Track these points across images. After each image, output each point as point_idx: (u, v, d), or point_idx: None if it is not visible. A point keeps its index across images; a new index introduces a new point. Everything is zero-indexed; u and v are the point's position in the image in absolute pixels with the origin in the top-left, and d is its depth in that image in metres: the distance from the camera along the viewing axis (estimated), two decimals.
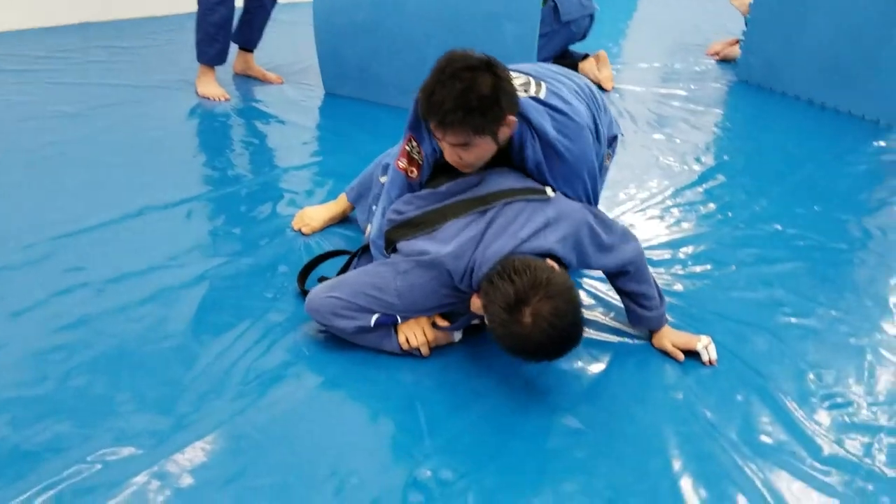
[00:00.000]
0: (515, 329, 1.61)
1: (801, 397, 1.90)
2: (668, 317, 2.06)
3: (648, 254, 2.47)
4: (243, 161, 2.94)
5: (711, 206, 2.92)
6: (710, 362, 1.97)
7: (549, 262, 1.74)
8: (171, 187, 2.65)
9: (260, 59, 3.84)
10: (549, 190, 1.84)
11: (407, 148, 1.92)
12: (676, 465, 1.66)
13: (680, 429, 1.76)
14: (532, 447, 1.68)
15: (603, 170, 2.08)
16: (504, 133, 1.75)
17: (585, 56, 4.24)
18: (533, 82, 1.86)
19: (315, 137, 3.29)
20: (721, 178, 3.19)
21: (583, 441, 1.70)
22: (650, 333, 2.06)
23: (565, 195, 1.88)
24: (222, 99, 3.47)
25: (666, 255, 2.51)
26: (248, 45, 3.74)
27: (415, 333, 1.88)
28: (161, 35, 4.39)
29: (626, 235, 1.94)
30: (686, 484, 1.61)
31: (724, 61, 5.04)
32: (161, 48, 4.16)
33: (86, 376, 1.74)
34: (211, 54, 3.47)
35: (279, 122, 3.35)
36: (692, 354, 2.00)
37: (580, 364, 1.96)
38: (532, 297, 1.59)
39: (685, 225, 2.74)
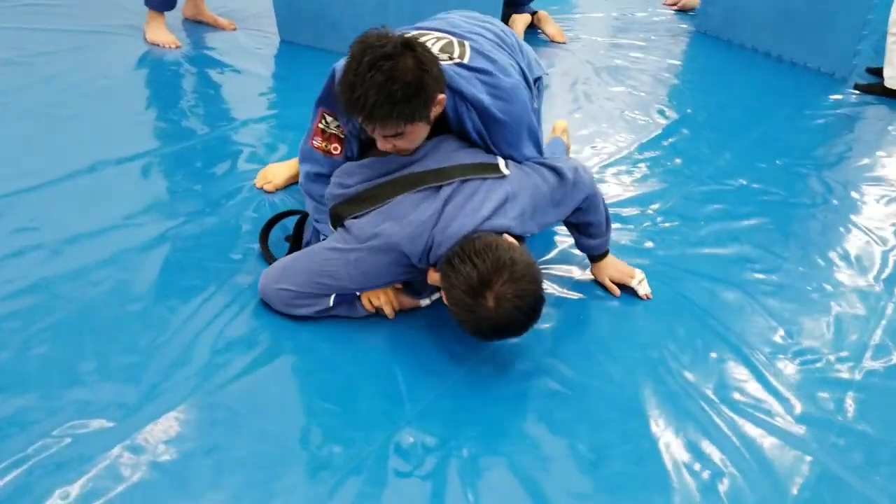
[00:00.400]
0: (480, 313, 1.59)
1: (772, 354, 1.93)
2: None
3: (617, 210, 2.47)
4: (198, 113, 2.81)
5: (677, 160, 2.91)
6: (645, 296, 2.03)
7: (508, 237, 1.70)
8: (123, 141, 2.52)
9: (211, 3, 3.65)
10: (502, 165, 1.78)
11: (320, 125, 1.83)
12: (656, 425, 1.67)
13: (658, 388, 1.77)
14: (512, 410, 1.66)
15: (537, 114, 2.02)
16: (436, 111, 1.67)
17: (534, 13, 4.16)
18: (455, 42, 1.77)
19: (272, 88, 3.16)
20: (685, 131, 3.18)
21: (562, 403, 1.70)
22: (591, 263, 2.09)
23: (513, 158, 1.84)
24: (173, 46, 3.31)
25: (635, 211, 2.50)
26: None
27: (377, 295, 1.84)
28: None
29: (577, 175, 1.88)
30: (667, 444, 1.62)
31: (683, 11, 4.99)
32: None
33: (46, 345, 1.66)
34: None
35: (234, 71, 3.21)
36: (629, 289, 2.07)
37: (553, 324, 1.94)
38: (495, 281, 1.56)
39: (652, 180, 2.73)
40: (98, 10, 3.60)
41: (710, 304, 2.09)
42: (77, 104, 2.73)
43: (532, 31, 4.20)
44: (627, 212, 2.48)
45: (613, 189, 2.62)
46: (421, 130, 1.69)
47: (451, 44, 1.76)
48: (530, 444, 1.58)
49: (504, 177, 1.77)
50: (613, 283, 2.05)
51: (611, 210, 2.36)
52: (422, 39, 1.69)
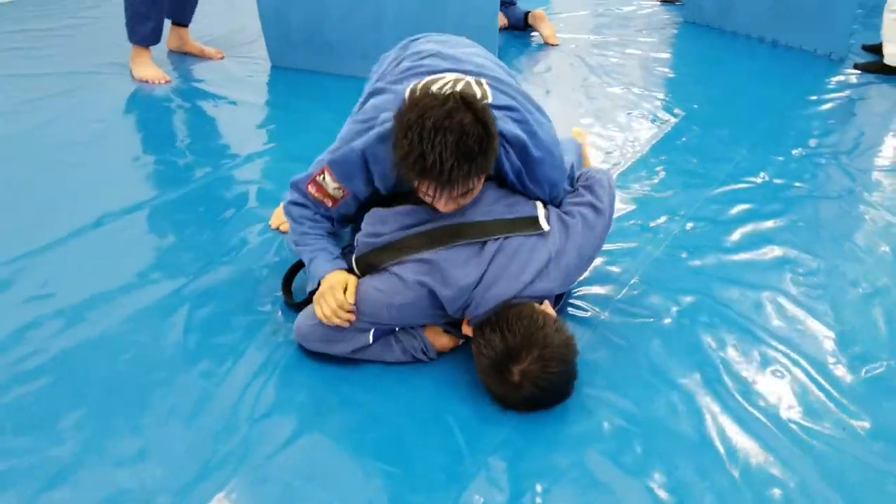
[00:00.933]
0: (503, 386, 1.58)
1: (830, 363, 1.85)
2: None
3: (643, 220, 2.40)
4: (198, 151, 2.71)
5: (694, 160, 2.84)
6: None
7: (546, 307, 1.68)
8: (125, 189, 2.42)
9: (196, 32, 3.54)
10: (542, 218, 1.71)
11: (319, 179, 1.74)
12: (731, 457, 1.58)
13: (723, 412, 1.69)
14: (577, 455, 1.57)
15: None
16: None
17: (527, 13, 4.10)
18: (473, 83, 1.67)
19: (269, 118, 3.06)
20: (695, 128, 3.11)
21: (629, 442, 1.61)
22: None
23: (550, 197, 1.79)
24: (162, 81, 3.20)
25: (662, 219, 2.42)
26: (181, 20, 3.44)
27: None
28: (83, 12, 4.00)
29: (610, 196, 1.85)
30: (745, 477, 1.53)
31: (668, 2, 4.93)
32: (85, 28, 3.79)
33: (79, 429, 1.55)
34: (144, 33, 3.18)
35: (228, 102, 3.11)
36: None
37: (603, 353, 1.85)
38: (524, 357, 1.54)
39: (673, 184, 2.65)
40: (81, 50, 3.48)
41: (756, 313, 2.01)
42: (73, 152, 2.62)
43: (517, 32, 4.13)
44: (655, 222, 2.40)
45: (636, 196, 2.54)
46: (482, 183, 1.62)
47: (469, 85, 1.67)
48: (604, 490, 1.49)
49: (545, 234, 1.70)
50: None
51: (637, 220, 2.31)
52: (439, 84, 1.62)
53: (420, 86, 1.61)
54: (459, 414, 1.65)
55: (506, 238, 1.66)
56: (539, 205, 1.74)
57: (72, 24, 3.81)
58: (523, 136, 1.66)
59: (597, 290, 2.07)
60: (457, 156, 1.46)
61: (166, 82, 3.20)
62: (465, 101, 1.49)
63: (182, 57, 3.48)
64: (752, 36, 4.31)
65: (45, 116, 2.84)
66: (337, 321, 1.66)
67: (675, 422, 1.66)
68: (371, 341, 1.72)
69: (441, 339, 1.79)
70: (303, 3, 3.27)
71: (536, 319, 1.57)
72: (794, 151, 2.95)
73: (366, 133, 1.67)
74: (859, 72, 3.88)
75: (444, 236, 1.64)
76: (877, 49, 4.05)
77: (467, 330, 1.71)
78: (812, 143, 3.05)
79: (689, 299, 2.04)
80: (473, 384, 1.72)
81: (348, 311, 1.66)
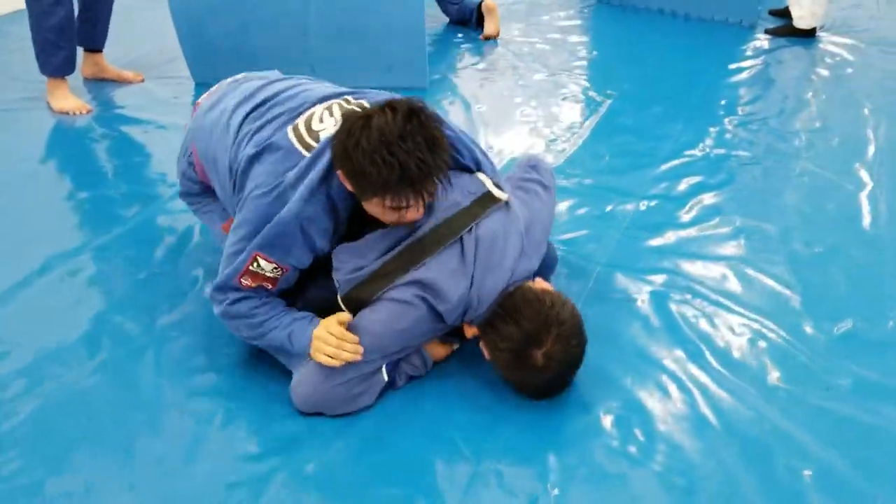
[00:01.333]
0: (529, 372, 1.57)
1: (806, 328, 1.91)
2: None
3: (598, 205, 2.41)
4: (134, 181, 2.59)
5: (633, 140, 2.87)
6: None
7: (540, 282, 1.68)
8: (65, 231, 2.30)
9: (111, 56, 3.38)
10: (495, 190, 1.68)
11: (252, 268, 1.61)
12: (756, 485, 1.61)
13: (725, 400, 1.72)
14: (585, 453, 1.58)
15: None
16: None
17: (479, 4, 4.04)
18: (344, 102, 1.69)
19: None
20: (630, 108, 3.15)
21: (633, 426, 1.62)
22: None
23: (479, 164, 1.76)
24: (83, 111, 3.05)
25: (616, 203, 2.44)
26: (94, 45, 3.28)
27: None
28: None
29: (543, 170, 1.93)
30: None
31: None
32: None
33: (68, 498, 1.46)
34: (56, 64, 3.02)
35: (157, 127, 2.99)
36: None
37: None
38: (545, 340, 1.55)
39: (619, 166, 2.68)
40: None
41: (724, 285, 2.07)
42: (1, 196, 2.47)
43: (459, 28, 4.08)
44: (610, 206, 2.42)
45: (587, 182, 2.56)
46: None
47: (347, 102, 1.69)
48: (617, 482, 1.50)
49: (508, 205, 1.68)
50: None
51: (592, 206, 2.33)
52: (318, 115, 1.66)
53: (321, 120, 1.63)
54: (459, 423, 1.64)
55: (477, 226, 1.62)
56: (481, 176, 1.71)
57: None
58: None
59: (564, 281, 2.07)
60: (432, 151, 1.44)
61: (88, 112, 3.06)
62: (399, 104, 1.46)
63: (100, 84, 3.33)
64: (664, 11, 4.40)
65: None
66: (346, 356, 1.55)
67: (670, 403, 1.69)
68: (386, 377, 1.67)
69: (437, 350, 1.76)
70: (221, 16, 3.16)
71: (543, 300, 1.57)
72: (726, 121, 3.03)
73: (281, 201, 1.58)
74: (770, 36, 4.00)
75: (423, 248, 1.60)
76: (783, 13, 4.20)
77: (470, 332, 1.68)
78: (741, 111, 3.13)
79: (658, 279, 2.08)
80: (467, 393, 1.71)
81: (351, 343, 1.57)
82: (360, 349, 1.56)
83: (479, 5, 4.02)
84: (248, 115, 1.74)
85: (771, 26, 4.12)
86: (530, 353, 1.54)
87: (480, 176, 1.71)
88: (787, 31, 4.01)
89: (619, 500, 1.47)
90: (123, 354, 1.82)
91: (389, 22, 3.11)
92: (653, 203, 2.44)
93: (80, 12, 3.13)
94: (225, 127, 1.77)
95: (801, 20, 3.94)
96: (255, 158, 1.64)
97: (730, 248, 2.21)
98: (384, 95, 1.70)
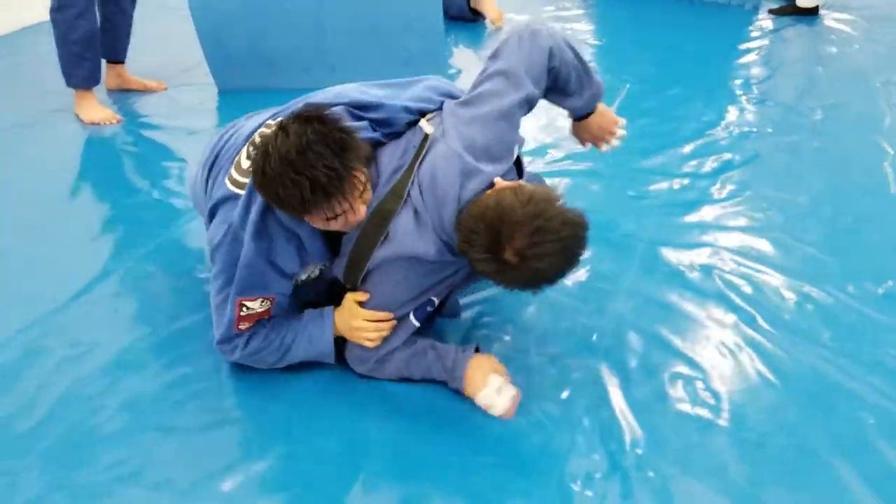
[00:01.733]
0: (508, 273, 1.47)
1: (854, 291, 1.98)
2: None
3: (644, 188, 2.48)
4: (175, 193, 2.61)
5: (656, 122, 2.95)
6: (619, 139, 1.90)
7: (499, 181, 1.59)
8: (119, 240, 2.32)
9: (133, 67, 3.43)
10: (427, 128, 1.65)
11: (242, 314, 1.66)
12: None
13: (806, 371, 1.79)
14: (659, 410, 1.65)
15: None
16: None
17: None
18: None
19: None
20: (648, 91, 3.22)
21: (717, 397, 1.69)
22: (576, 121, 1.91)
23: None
24: (113, 121, 3.10)
25: (656, 183, 2.51)
26: (116, 57, 3.33)
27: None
28: None
29: (529, 34, 1.68)
30: None
31: None
32: (9, 77, 3.63)
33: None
34: (83, 76, 3.07)
35: (187, 133, 3.03)
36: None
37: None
38: (505, 238, 1.43)
39: (649, 146, 2.75)
40: (12, 101, 3.33)
41: (770, 254, 2.14)
42: (47, 208, 2.51)
43: (466, 23, 4.14)
44: (646, 187, 2.49)
45: (618, 165, 2.62)
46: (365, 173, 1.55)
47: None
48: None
49: (430, 133, 1.64)
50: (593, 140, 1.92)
51: (637, 191, 2.40)
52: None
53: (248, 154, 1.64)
54: (543, 396, 1.69)
55: (418, 173, 1.60)
56: (422, 122, 1.68)
57: None
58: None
59: (610, 260, 2.13)
60: (338, 154, 1.43)
61: (118, 122, 3.11)
62: (292, 120, 1.46)
63: (124, 94, 3.38)
64: None
65: (7, 174, 2.71)
66: (385, 331, 1.67)
67: (731, 365, 1.77)
68: (417, 323, 1.70)
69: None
70: (242, 21, 3.22)
71: (498, 199, 1.47)
72: (743, 99, 3.11)
73: (238, 241, 1.62)
74: (774, 16, 4.09)
75: (379, 220, 1.61)
76: None
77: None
78: (756, 89, 3.22)
79: (701, 251, 2.15)
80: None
81: (385, 321, 1.66)
82: (393, 321, 1.67)
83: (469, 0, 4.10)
84: (207, 177, 1.82)
85: (774, 6, 4.20)
86: (500, 255, 1.44)
87: (421, 122, 1.68)
88: (791, 10, 4.11)
89: (697, 456, 1.53)
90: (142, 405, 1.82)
91: (406, 15, 3.17)
92: (685, 181, 2.51)
93: (101, 24, 3.18)
94: (201, 194, 1.85)
95: None
96: (211, 218, 1.71)
97: (765, 220, 2.29)
98: (316, 97, 1.72)
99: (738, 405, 1.65)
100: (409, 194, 1.60)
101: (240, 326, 1.69)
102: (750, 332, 1.85)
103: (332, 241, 1.70)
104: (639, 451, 1.54)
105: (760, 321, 1.89)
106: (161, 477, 1.53)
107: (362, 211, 1.55)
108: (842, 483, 1.47)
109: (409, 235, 1.59)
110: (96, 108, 3.13)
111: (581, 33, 3.95)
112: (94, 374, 1.79)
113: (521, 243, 1.42)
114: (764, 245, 2.17)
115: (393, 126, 1.69)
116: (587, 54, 3.67)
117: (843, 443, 1.55)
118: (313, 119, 1.45)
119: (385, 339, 1.70)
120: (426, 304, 1.71)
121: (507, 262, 1.44)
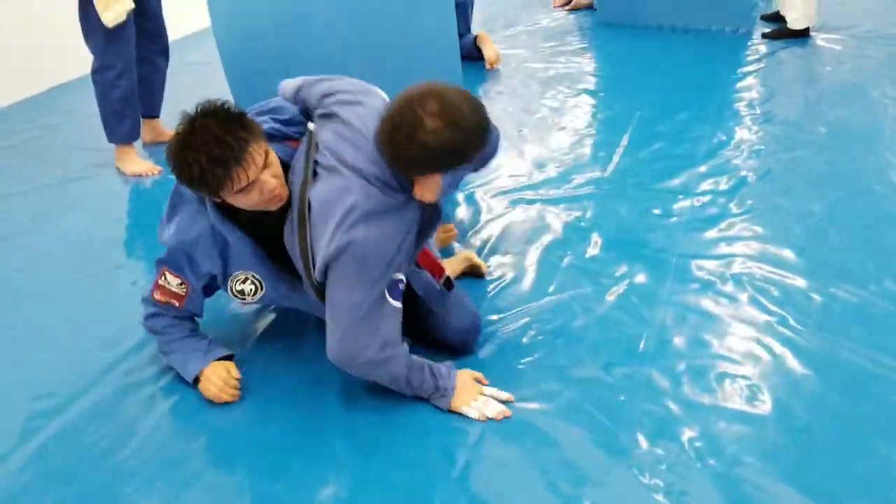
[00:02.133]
0: (444, 138, 1.54)
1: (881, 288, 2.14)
2: None
3: (661, 207, 2.64)
4: None
5: (670, 145, 3.12)
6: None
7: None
8: None
9: (167, 119, 3.60)
10: (311, 125, 1.80)
11: (160, 282, 1.90)
12: None
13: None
14: (709, 407, 1.79)
15: None
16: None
17: (475, 37, 4.33)
18: None
19: None
20: (658, 117, 3.40)
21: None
22: None
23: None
24: (155, 172, 3.27)
25: (679, 203, 2.67)
26: (152, 112, 3.51)
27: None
28: (36, 121, 4.00)
29: None
30: None
31: (576, 10, 5.28)
32: (47, 138, 3.79)
33: None
34: (124, 131, 3.25)
35: None
36: None
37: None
38: (420, 112, 1.53)
39: (667, 168, 2.92)
40: (55, 159, 3.49)
41: (797, 263, 2.28)
42: (111, 255, 2.66)
43: (471, 60, 4.33)
44: (668, 206, 2.65)
45: (639, 187, 2.79)
46: (266, 148, 1.67)
47: None
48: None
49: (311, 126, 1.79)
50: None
51: (662, 210, 2.55)
52: None
53: None
54: (596, 401, 1.84)
55: (315, 141, 1.73)
56: (309, 124, 1.81)
57: (31, 137, 3.80)
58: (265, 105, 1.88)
59: (645, 274, 2.28)
60: (226, 129, 1.56)
61: (158, 172, 3.27)
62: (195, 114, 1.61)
63: (160, 146, 3.53)
64: (663, 26, 4.70)
65: (65, 226, 2.87)
66: (226, 396, 1.89)
67: (771, 361, 1.91)
68: (396, 304, 1.72)
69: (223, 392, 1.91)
70: (270, 72, 3.38)
71: (399, 96, 1.59)
72: (748, 119, 3.29)
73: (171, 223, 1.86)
74: (767, 40, 4.30)
75: (301, 199, 1.70)
76: (774, 17, 4.51)
77: (419, 188, 1.69)
78: (759, 110, 3.40)
79: (730, 262, 2.30)
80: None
81: (234, 386, 1.90)
82: (238, 393, 1.90)
83: (475, 39, 4.30)
84: None
85: (767, 30, 4.41)
86: (427, 128, 1.53)
87: (309, 124, 1.81)
88: (784, 33, 4.31)
89: (749, 445, 1.67)
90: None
91: (425, 52, 3.34)
92: (706, 198, 2.67)
93: (137, 83, 3.36)
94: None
95: (795, 22, 4.24)
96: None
97: (785, 229, 2.45)
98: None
99: (781, 397, 1.79)
100: (316, 162, 1.71)
101: (155, 295, 1.92)
102: (784, 331, 2.00)
103: (275, 248, 1.81)
104: (697, 444, 1.68)
105: (792, 321, 2.03)
106: None
107: (273, 183, 1.65)
108: (888, 460, 1.61)
109: (334, 193, 1.65)
110: (137, 161, 3.30)
111: (584, 65, 4.15)
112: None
113: (434, 106, 1.53)
114: (787, 252, 2.33)
115: (299, 125, 1.85)
116: (595, 85, 3.86)
117: (884, 424, 1.69)
118: (209, 105, 1.61)
119: (376, 330, 1.70)
120: (396, 282, 1.73)
121: (435, 129, 1.52)
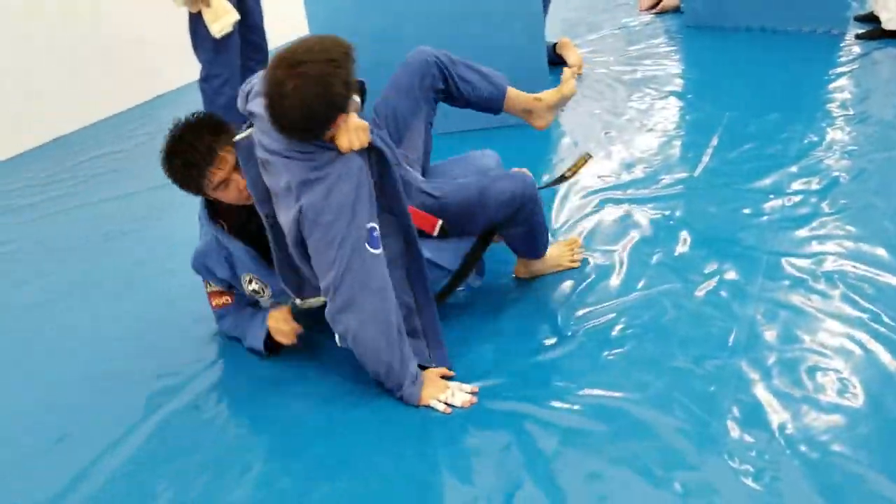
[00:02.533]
0: (296, 93, 1.71)
1: None
2: None
3: (752, 206, 2.66)
4: None
5: (761, 145, 3.12)
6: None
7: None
8: None
9: None
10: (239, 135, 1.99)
11: (208, 290, 2.24)
12: None
13: None
14: (801, 399, 1.82)
15: None
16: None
17: (554, 44, 4.39)
18: None
19: None
20: (749, 118, 3.40)
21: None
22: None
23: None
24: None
25: (775, 202, 2.68)
26: None
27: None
28: (141, 128, 4.29)
29: None
30: None
31: (663, 13, 5.28)
32: (156, 143, 4.06)
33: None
34: None
35: None
36: None
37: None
38: (272, 81, 1.73)
39: (761, 168, 2.92)
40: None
41: (885, 261, 2.28)
42: None
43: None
44: (760, 205, 2.67)
45: (730, 186, 2.81)
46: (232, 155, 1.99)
47: None
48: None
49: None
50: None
51: (753, 209, 2.57)
52: None
53: None
54: (686, 391, 1.89)
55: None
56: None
57: (141, 143, 4.07)
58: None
59: (736, 272, 2.32)
60: (201, 137, 1.96)
61: None
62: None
63: None
64: (752, 27, 4.66)
65: (172, 222, 3.08)
66: (286, 329, 2.11)
67: (864, 356, 1.92)
68: (375, 251, 1.82)
69: (283, 328, 2.12)
70: (360, 72, 3.51)
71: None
72: (842, 120, 3.26)
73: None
74: (861, 41, 4.22)
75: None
76: (868, 18, 4.42)
77: (340, 140, 1.82)
78: (852, 111, 3.35)
79: (822, 260, 2.31)
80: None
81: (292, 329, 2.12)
82: (295, 338, 2.12)
83: (555, 46, 4.34)
84: None
85: (860, 31, 4.33)
86: (283, 91, 1.71)
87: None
88: (878, 34, 4.22)
89: (840, 434, 1.69)
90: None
91: (514, 62, 3.44)
92: (797, 198, 2.68)
93: None
94: None
95: (890, 22, 4.15)
96: None
97: (878, 228, 2.43)
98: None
99: (874, 391, 1.81)
100: (259, 159, 1.90)
101: (213, 303, 2.23)
102: (877, 327, 2.01)
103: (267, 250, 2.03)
104: (788, 433, 1.72)
105: (886, 318, 2.04)
106: None
107: (244, 182, 1.95)
108: None
109: (273, 181, 1.85)
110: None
111: (673, 68, 4.17)
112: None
113: (283, 70, 1.71)
114: (880, 251, 2.32)
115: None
116: (684, 87, 3.88)
117: None
118: (187, 122, 2.02)
119: (366, 281, 1.81)
120: (370, 230, 1.82)
121: (293, 89, 1.70)
